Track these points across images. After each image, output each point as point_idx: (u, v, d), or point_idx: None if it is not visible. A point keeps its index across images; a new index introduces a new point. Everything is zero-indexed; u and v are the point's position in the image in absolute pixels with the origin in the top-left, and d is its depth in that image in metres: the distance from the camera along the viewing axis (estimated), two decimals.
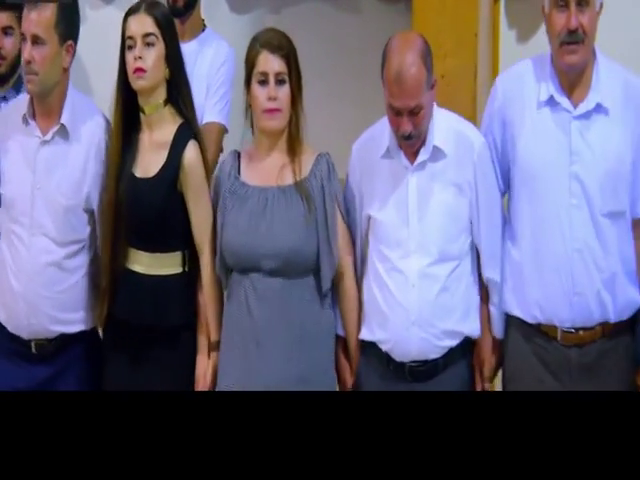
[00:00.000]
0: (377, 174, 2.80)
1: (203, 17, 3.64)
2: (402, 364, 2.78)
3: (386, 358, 2.80)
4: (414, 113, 2.65)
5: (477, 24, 3.55)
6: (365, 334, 2.83)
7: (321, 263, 2.79)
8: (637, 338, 2.84)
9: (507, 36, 3.79)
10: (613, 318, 2.77)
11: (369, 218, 2.82)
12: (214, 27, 3.54)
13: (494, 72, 3.57)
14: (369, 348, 2.84)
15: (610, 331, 2.78)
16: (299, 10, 3.83)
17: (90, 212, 2.94)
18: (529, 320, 2.79)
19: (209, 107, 3.38)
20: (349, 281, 2.87)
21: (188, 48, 3.56)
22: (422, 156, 2.74)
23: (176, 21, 3.54)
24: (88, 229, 2.95)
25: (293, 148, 2.81)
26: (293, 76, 2.79)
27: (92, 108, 3.00)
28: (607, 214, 2.72)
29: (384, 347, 2.79)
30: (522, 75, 2.81)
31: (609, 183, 2.71)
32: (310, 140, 2.92)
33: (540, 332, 2.79)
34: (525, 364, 2.80)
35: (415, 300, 2.73)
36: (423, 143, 2.73)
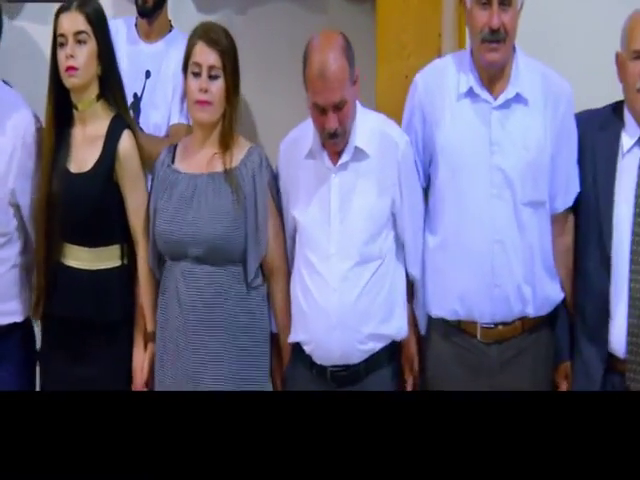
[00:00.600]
0: (301, 175, 2.80)
1: (170, 17, 3.66)
2: (324, 368, 2.77)
3: (310, 361, 2.79)
4: (339, 108, 2.65)
5: (440, 24, 3.60)
6: (292, 335, 2.83)
7: (247, 252, 2.79)
8: (557, 335, 2.84)
9: None
10: (533, 313, 2.77)
11: (294, 219, 2.82)
12: (181, 27, 3.55)
13: None
14: (296, 350, 2.84)
15: (530, 327, 2.78)
16: (266, 10, 3.84)
17: (16, 206, 2.94)
18: (449, 317, 2.78)
19: (175, 108, 3.35)
20: (280, 277, 2.87)
21: (155, 49, 3.61)
22: (344, 157, 2.74)
23: (144, 22, 3.59)
24: (14, 222, 2.95)
25: (225, 142, 2.82)
26: (228, 72, 2.78)
27: (17, 102, 3.00)
28: (528, 203, 2.72)
29: (307, 349, 2.79)
30: (441, 69, 2.83)
31: (529, 173, 2.71)
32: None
33: (460, 330, 2.78)
34: (445, 363, 2.80)
35: (336, 304, 2.71)
36: (346, 144, 2.73)
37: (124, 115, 2.94)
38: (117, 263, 2.92)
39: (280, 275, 2.87)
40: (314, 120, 2.72)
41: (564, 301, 2.86)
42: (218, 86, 2.79)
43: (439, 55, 3.51)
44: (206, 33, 2.81)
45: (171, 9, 3.66)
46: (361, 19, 3.70)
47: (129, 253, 2.93)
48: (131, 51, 3.57)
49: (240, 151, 2.84)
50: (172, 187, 2.84)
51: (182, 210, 2.80)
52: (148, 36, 3.60)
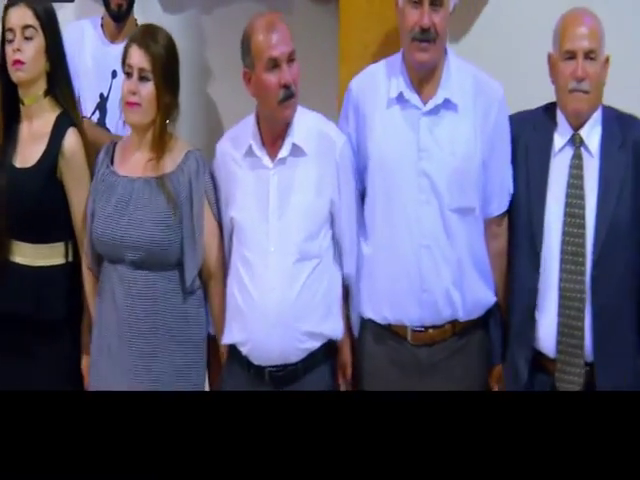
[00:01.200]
0: (240, 174, 2.81)
1: (136, 17, 3.69)
2: (262, 368, 2.77)
3: (246, 362, 2.79)
4: (291, 60, 2.69)
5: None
6: (226, 337, 2.83)
7: (184, 258, 2.79)
8: (491, 337, 2.86)
9: None
10: (463, 316, 2.78)
11: (232, 219, 2.81)
12: None
13: None
14: (232, 351, 2.84)
15: (461, 330, 2.79)
16: (231, 10, 3.84)
17: None
18: (380, 321, 2.79)
19: None
20: (217, 281, 2.87)
21: (121, 49, 3.60)
22: (282, 152, 2.75)
23: (111, 23, 3.62)
24: None
25: (156, 145, 2.81)
26: (158, 75, 2.77)
27: None
28: (455, 210, 2.72)
29: (244, 350, 2.78)
30: (374, 74, 2.83)
31: (457, 179, 2.71)
32: None
33: (391, 332, 2.79)
34: (376, 365, 2.81)
35: (275, 301, 2.72)
36: (283, 141, 2.75)
37: (71, 112, 2.95)
38: (61, 261, 2.93)
39: (218, 279, 2.87)
40: (268, 86, 2.69)
41: (498, 304, 2.88)
42: (148, 89, 2.78)
43: None
44: (141, 35, 2.83)
45: (137, 9, 3.69)
46: (325, 20, 3.71)
47: (74, 251, 2.93)
48: (97, 52, 3.61)
49: (178, 155, 2.84)
50: (110, 190, 2.84)
51: (118, 214, 2.80)
52: (114, 37, 3.63)
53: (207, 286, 2.88)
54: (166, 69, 2.80)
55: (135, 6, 3.65)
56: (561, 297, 2.74)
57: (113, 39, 3.63)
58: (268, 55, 2.68)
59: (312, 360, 2.80)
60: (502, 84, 2.84)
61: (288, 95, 2.69)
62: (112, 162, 2.88)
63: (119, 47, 3.54)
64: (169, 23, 3.58)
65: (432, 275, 2.73)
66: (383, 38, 3.54)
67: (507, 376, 2.84)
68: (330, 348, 2.84)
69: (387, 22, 3.54)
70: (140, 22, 3.62)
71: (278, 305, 2.73)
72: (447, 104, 2.73)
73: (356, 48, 3.26)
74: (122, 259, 2.79)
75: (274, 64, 2.68)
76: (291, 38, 2.73)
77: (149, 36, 2.82)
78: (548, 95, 2.86)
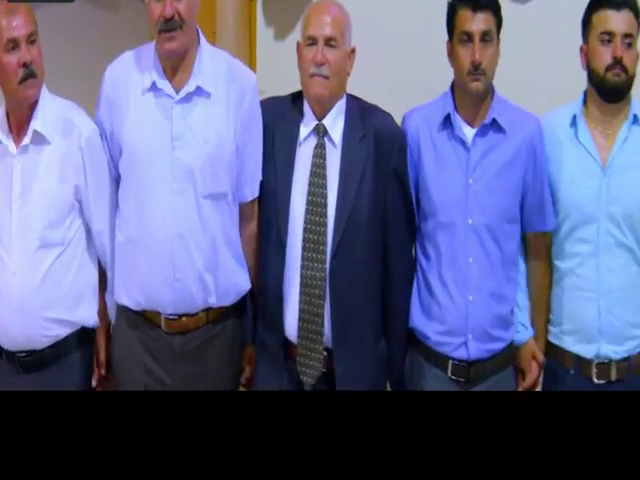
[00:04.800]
0: None
1: None
2: (12, 353, 2.78)
3: None
4: (32, 41, 2.70)
5: (214, 22, 3.69)
6: None
7: None
8: (244, 321, 2.89)
9: (265, 34, 3.85)
10: (216, 302, 2.79)
11: None
12: None
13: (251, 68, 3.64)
14: None
15: (215, 317, 2.81)
16: (57, 8, 3.90)
17: None
18: (134, 307, 2.80)
19: None
20: None
21: None
22: (24, 140, 2.75)
23: None
24: None
25: None
26: None
27: None
28: (209, 196, 2.73)
29: None
30: (128, 62, 2.82)
31: (211, 165, 2.72)
32: None
33: (145, 319, 2.80)
34: (131, 352, 2.82)
35: (16, 288, 2.73)
36: (27, 128, 2.75)
37: None
38: None
39: None
40: (6, 66, 2.68)
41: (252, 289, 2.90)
42: None
43: None
44: None
45: None
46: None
47: None
48: None
49: None
50: None
51: None
52: None
53: None
54: None
55: None
56: (302, 284, 2.77)
57: None
58: (7, 37, 2.69)
59: (63, 347, 2.81)
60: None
61: (27, 74, 2.70)
62: None
63: None
64: None
65: (185, 263, 2.74)
66: None
67: (260, 361, 2.88)
68: (85, 335, 2.86)
69: (198, 20, 3.63)
70: None
71: (19, 291, 2.74)
72: (199, 91, 2.74)
73: None
74: None
75: (13, 45, 2.70)
76: (33, 22, 2.75)
77: None
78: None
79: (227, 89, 2.76)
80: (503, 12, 2.81)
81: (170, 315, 2.79)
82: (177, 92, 2.75)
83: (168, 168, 2.72)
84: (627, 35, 2.77)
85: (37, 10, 3.81)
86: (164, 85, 2.75)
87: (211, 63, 2.78)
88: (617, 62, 2.75)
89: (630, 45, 2.77)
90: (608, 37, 2.77)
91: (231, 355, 2.87)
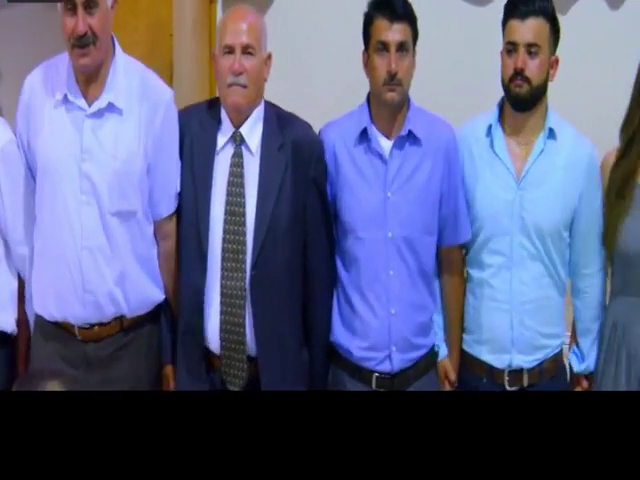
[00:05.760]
0: None
1: None
2: None
3: None
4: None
5: (171, 25, 3.69)
6: None
7: None
8: (161, 337, 2.89)
9: None
10: (128, 314, 2.79)
11: None
12: None
13: (210, 71, 3.57)
14: None
15: (128, 325, 2.80)
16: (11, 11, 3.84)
17: None
18: (47, 317, 2.80)
19: None
20: None
21: None
22: None
23: None
24: None
25: None
26: None
27: None
28: (116, 213, 2.72)
29: None
30: (45, 73, 2.79)
31: (118, 182, 2.71)
32: None
33: (60, 328, 2.79)
34: (47, 359, 2.80)
35: None
36: None
37: None
38: None
39: None
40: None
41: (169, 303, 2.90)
42: None
43: (170, 55, 3.63)
44: None
45: None
46: None
47: None
48: None
49: None
50: None
51: None
52: None
53: None
54: None
55: None
56: (223, 295, 2.77)
57: None
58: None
59: None
60: None
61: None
62: None
63: None
64: None
65: (94, 276, 2.74)
66: (151, 38, 3.65)
67: (180, 371, 2.86)
68: (4, 339, 2.88)
69: (154, 23, 3.66)
70: None
71: None
72: (111, 108, 2.73)
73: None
74: None
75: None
76: None
77: None
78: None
79: (139, 105, 2.74)
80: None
81: (83, 324, 2.79)
82: (90, 105, 2.73)
83: (77, 181, 2.72)
84: (531, 44, 2.74)
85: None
86: (77, 98, 2.74)
87: (125, 77, 2.76)
88: (518, 73, 2.75)
89: (535, 54, 2.75)
90: (512, 47, 2.77)
91: (147, 362, 2.87)
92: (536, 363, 2.85)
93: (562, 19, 3.23)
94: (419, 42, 2.80)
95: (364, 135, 2.80)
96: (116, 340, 2.81)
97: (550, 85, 2.83)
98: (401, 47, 2.73)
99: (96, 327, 2.79)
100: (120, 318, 2.81)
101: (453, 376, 2.95)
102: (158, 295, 2.86)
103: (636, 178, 2.80)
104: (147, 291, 2.83)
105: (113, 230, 2.74)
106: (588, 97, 3.18)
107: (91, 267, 2.73)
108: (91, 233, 2.72)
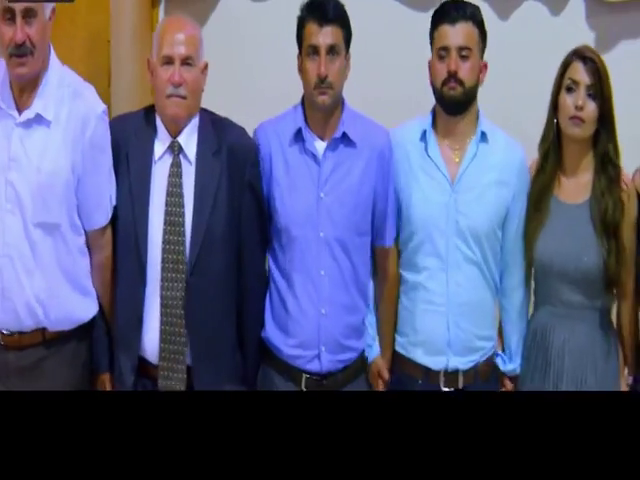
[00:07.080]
0: None
1: None
2: None
3: None
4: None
5: (109, 31, 3.63)
6: None
7: None
8: (94, 347, 2.86)
9: None
10: (50, 327, 2.75)
11: None
12: None
13: None
14: None
15: (51, 337, 2.76)
16: None
17: None
18: None
19: None
20: None
21: None
22: None
23: None
24: None
25: None
26: None
27: None
28: (39, 224, 2.68)
29: None
30: None
31: (41, 194, 2.67)
32: None
33: None
34: None
35: None
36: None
37: None
38: None
39: None
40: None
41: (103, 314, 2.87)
42: None
43: (108, 61, 3.57)
44: None
45: None
46: None
47: None
48: None
49: None
50: None
51: None
52: None
53: None
54: None
55: None
56: (162, 305, 2.75)
57: None
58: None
59: None
60: None
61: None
62: None
63: None
64: None
65: (13, 285, 2.70)
66: (88, 44, 3.58)
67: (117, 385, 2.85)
68: None
69: (91, 29, 3.60)
70: None
71: None
72: (39, 119, 2.68)
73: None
74: None
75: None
76: None
77: None
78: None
79: (68, 118, 2.71)
80: None
81: (4, 330, 2.75)
82: (20, 114, 2.69)
83: (2, 187, 2.68)
84: (462, 48, 2.78)
85: None
86: (9, 107, 2.70)
87: (57, 89, 2.72)
88: (451, 76, 2.78)
89: (467, 57, 2.79)
90: (444, 52, 2.80)
91: (70, 376, 2.81)
92: (471, 365, 2.90)
93: (503, 25, 3.28)
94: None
95: (299, 135, 2.82)
96: (38, 351, 2.77)
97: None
98: (331, 50, 2.74)
99: (16, 335, 2.76)
100: (42, 330, 2.77)
101: (386, 375, 2.98)
102: (84, 313, 2.83)
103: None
104: (72, 308, 2.79)
105: (37, 241, 2.70)
106: (528, 102, 3.17)
107: (11, 275, 2.70)
108: (13, 242, 2.69)
